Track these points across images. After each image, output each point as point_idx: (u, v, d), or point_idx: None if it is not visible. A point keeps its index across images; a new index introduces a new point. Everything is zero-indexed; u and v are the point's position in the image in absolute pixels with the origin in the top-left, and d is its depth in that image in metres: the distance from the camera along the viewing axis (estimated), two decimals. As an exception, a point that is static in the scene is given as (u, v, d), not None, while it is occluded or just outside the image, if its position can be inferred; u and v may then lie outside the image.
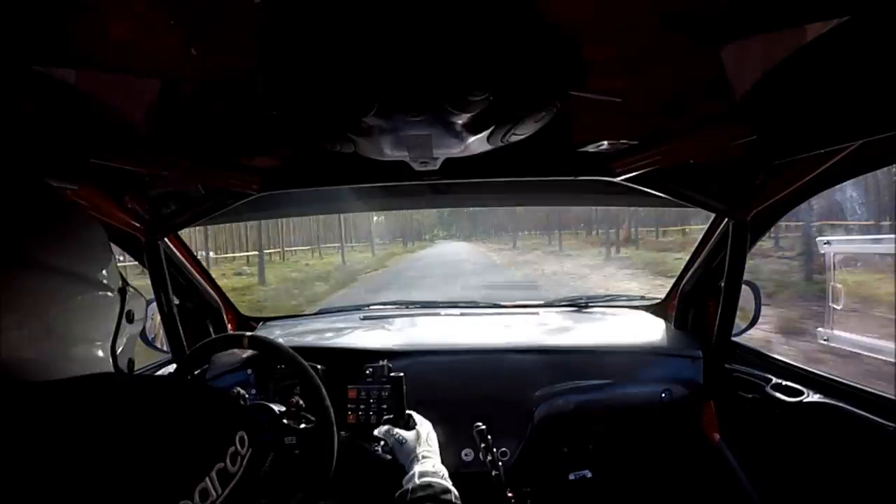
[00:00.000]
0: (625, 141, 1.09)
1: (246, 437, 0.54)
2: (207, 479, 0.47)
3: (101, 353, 0.57)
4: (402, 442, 1.06)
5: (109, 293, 0.58)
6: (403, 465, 1.02)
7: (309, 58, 0.67)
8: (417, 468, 0.95)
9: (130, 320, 0.61)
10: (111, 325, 0.58)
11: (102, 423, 0.46)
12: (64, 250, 0.52)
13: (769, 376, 1.36)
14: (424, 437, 1.06)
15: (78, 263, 0.53)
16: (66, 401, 0.47)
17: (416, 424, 1.11)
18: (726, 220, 1.39)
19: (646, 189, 1.26)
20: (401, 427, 1.09)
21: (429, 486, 0.90)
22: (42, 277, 0.49)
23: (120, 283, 0.60)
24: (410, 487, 0.91)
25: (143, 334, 1.65)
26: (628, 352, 1.62)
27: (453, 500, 0.90)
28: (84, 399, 0.48)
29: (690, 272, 1.68)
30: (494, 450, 1.31)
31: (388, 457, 1.34)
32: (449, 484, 0.93)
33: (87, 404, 0.48)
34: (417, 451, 1.02)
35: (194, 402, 0.55)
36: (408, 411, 1.15)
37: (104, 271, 0.57)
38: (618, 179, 1.22)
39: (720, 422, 1.53)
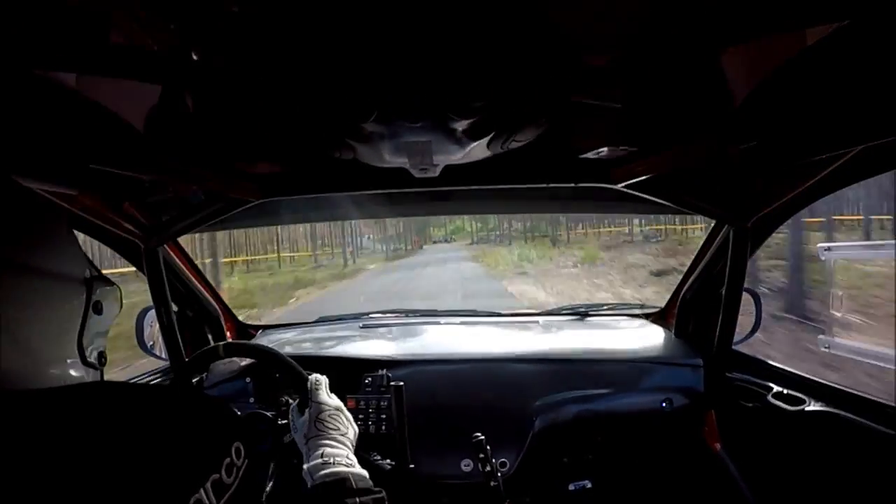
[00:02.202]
0: (624, 147, 1.09)
1: (242, 447, 0.53)
2: (202, 490, 0.46)
3: (65, 350, 0.54)
4: (294, 429, 0.94)
5: (72, 283, 0.56)
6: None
7: (308, 65, 0.67)
8: (306, 464, 0.83)
9: (98, 311, 0.58)
10: (76, 318, 0.56)
11: (97, 432, 0.45)
12: (15, 240, 0.50)
13: (770, 385, 1.35)
14: (313, 418, 0.91)
15: (31, 253, 0.51)
16: (58, 410, 0.47)
17: (311, 404, 0.94)
18: (727, 226, 1.39)
19: (646, 195, 1.26)
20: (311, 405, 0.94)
21: (323, 484, 0.77)
22: None
23: (87, 272, 0.58)
24: (310, 486, 0.79)
25: (141, 342, 1.65)
26: (628, 360, 1.61)
27: (355, 485, 0.77)
28: (77, 408, 0.48)
29: (691, 280, 1.67)
30: (493, 460, 1.30)
31: (388, 465, 1.33)
32: (350, 469, 0.81)
33: (80, 414, 0.47)
34: (307, 439, 0.89)
35: (190, 412, 0.54)
36: (311, 380, 0.98)
37: (64, 260, 0.55)
38: (618, 186, 1.22)
39: (721, 431, 1.51)
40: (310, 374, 0.99)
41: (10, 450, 0.41)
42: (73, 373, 0.55)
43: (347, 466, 0.82)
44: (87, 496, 0.41)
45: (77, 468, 0.42)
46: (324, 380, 0.99)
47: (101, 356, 0.61)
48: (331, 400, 0.96)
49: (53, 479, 0.41)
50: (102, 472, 0.43)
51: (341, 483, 0.77)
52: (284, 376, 1.02)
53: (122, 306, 0.65)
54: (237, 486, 0.50)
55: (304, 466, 0.82)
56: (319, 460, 0.82)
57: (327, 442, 0.87)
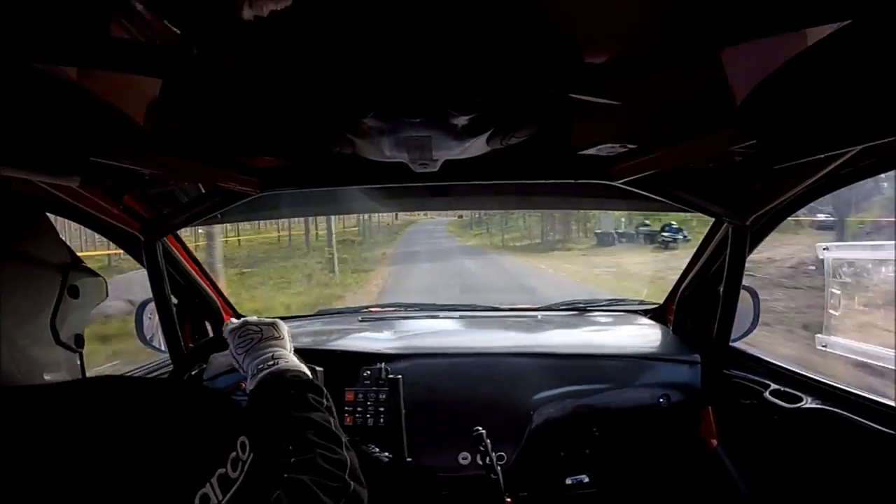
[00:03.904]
0: (624, 144, 1.09)
1: (248, 441, 0.54)
2: (208, 484, 0.47)
3: (38, 331, 0.56)
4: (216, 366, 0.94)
5: (46, 268, 0.58)
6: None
7: (307, 62, 0.67)
8: (251, 365, 0.83)
9: (75, 295, 0.60)
10: (50, 300, 0.57)
11: (103, 427, 0.46)
12: None
13: (767, 382, 1.36)
14: (237, 333, 0.88)
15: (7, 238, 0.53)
16: (64, 405, 0.47)
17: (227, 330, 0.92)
18: (725, 224, 1.39)
19: (645, 193, 1.26)
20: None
21: (268, 375, 0.79)
22: None
23: (65, 259, 0.60)
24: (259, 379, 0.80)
25: (140, 334, 1.65)
26: (626, 356, 1.61)
27: (304, 377, 0.79)
28: (83, 403, 0.48)
29: (689, 277, 1.68)
30: (492, 454, 1.31)
31: (386, 458, 1.34)
32: (301, 366, 0.83)
33: (86, 407, 0.47)
34: (239, 357, 0.86)
35: (195, 406, 0.55)
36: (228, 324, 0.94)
37: (38, 246, 0.57)
38: (617, 183, 1.22)
39: (718, 427, 1.52)
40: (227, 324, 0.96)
41: (17, 445, 0.42)
42: (48, 355, 0.57)
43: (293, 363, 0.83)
44: (93, 491, 0.42)
45: (83, 463, 0.42)
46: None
47: (79, 339, 0.62)
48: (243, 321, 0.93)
49: (60, 473, 0.41)
50: (109, 468, 0.43)
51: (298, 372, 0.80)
52: None
53: (107, 295, 0.68)
54: (243, 481, 0.51)
55: (250, 367, 0.82)
56: (269, 356, 0.83)
57: (256, 352, 0.86)
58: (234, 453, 0.51)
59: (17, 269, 0.54)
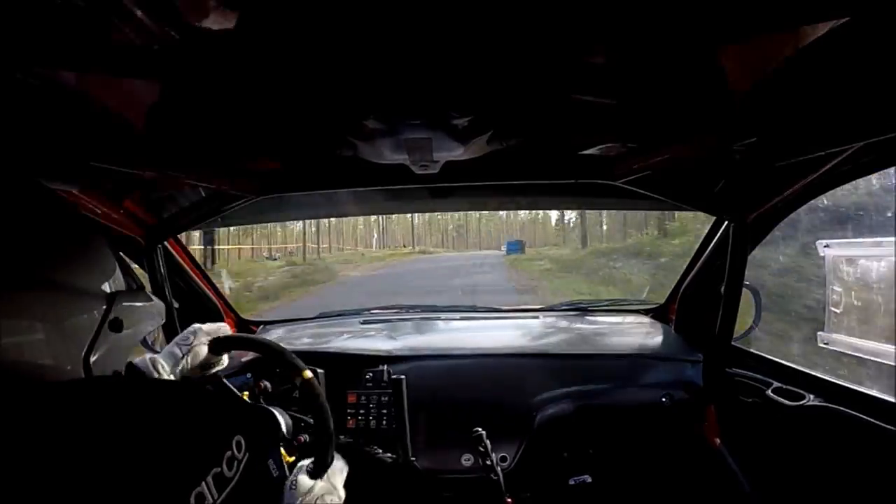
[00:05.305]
0: (625, 144, 1.09)
1: (243, 441, 0.54)
2: (204, 483, 0.47)
3: (71, 366, 0.52)
4: (292, 487, 0.89)
5: (87, 298, 0.54)
6: None
7: (307, 66, 0.67)
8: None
9: (117, 329, 0.56)
10: (86, 335, 0.53)
11: (100, 426, 0.46)
12: (38, 255, 0.50)
13: (770, 380, 1.36)
14: (319, 495, 0.89)
15: (50, 269, 0.51)
16: (63, 404, 0.47)
17: (326, 479, 0.93)
18: (727, 222, 1.39)
19: (646, 192, 1.26)
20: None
21: None
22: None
23: (111, 287, 0.56)
24: None
25: (143, 339, 1.65)
26: (628, 356, 1.61)
27: None
28: (82, 402, 0.48)
29: (691, 276, 1.68)
30: (493, 455, 1.30)
31: (389, 459, 1.34)
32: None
33: (84, 407, 0.47)
34: None
35: (191, 405, 0.55)
36: (338, 465, 0.95)
37: (88, 276, 0.54)
38: (618, 182, 1.22)
39: (721, 426, 1.52)
40: (337, 459, 0.97)
41: (15, 444, 0.42)
42: None
43: None
44: (89, 490, 0.42)
45: (79, 462, 0.42)
46: (346, 470, 0.99)
47: (117, 376, 0.58)
48: (342, 491, 0.96)
49: (57, 472, 0.41)
50: (105, 466, 0.43)
51: None
52: (316, 432, 0.95)
53: (138, 323, 0.62)
54: (238, 480, 0.51)
55: None
56: None
57: None
58: (229, 452, 0.51)
59: (51, 296, 0.50)
